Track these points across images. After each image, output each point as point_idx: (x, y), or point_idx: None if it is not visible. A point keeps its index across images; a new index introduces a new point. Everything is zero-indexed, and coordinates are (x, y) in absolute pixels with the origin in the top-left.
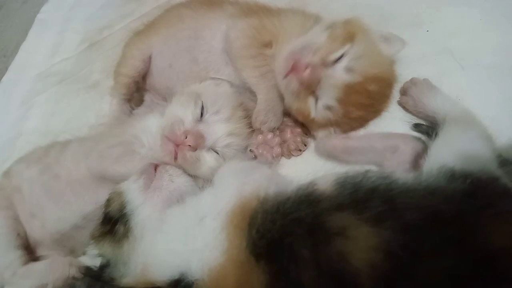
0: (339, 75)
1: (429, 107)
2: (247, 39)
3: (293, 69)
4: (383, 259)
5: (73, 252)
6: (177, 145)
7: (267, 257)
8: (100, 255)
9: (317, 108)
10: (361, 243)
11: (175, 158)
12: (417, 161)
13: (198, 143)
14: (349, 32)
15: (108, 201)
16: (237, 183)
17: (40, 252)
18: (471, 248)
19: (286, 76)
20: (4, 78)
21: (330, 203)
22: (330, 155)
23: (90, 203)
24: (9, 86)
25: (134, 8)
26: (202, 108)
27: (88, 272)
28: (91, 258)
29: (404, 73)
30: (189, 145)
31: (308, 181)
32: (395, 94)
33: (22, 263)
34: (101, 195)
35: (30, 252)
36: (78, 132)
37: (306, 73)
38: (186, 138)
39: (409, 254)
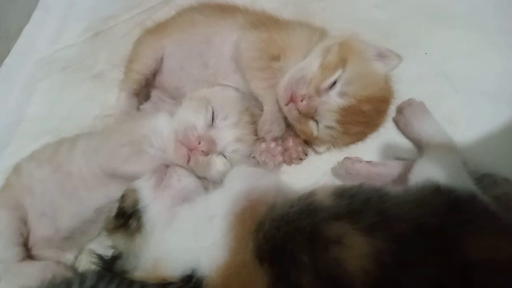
0: (333, 100)
1: (416, 129)
2: (257, 52)
3: (291, 99)
4: (375, 266)
5: (77, 249)
6: (191, 150)
7: (270, 260)
8: (112, 247)
9: (319, 129)
10: (355, 251)
11: (188, 161)
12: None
13: (210, 148)
14: (341, 57)
15: (123, 197)
16: (246, 187)
17: (35, 251)
18: (451, 259)
19: (286, 104)
20: (6, 61)
21: (328, 213)
22: (350, 177)
23: (102, 197)
24: (11, 70)
25: (140, 0)
26: (213, 113)
27: (100, 261)
28: (103, 249)
29: (401, 91)
30: (202, 150)
31: (308, 191)
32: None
33: (17, 260)
34: (113, 190)
35: (27, 251)
36: (81, 121)
37: (303, 104)
38: (199, 143)
39: (397, 263)
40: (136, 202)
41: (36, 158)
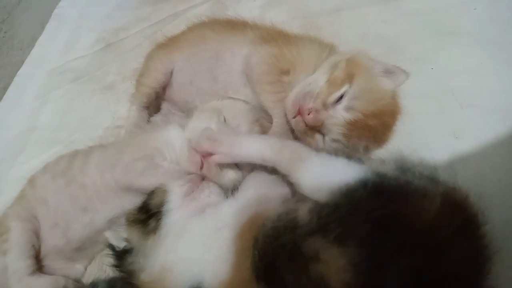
0: (340, 114)
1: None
2: (267, 66)
3: (299, 112)
4: (354, 276)
5: (87, 260)
6: (204, 157)
7: (264, 279)
8: (126, 240)
9: (325, 142)
10: (333, 265)
11: (201, 168)
12: None
13: None
14: (348, 73)
15: (152, 193)
16: (257, 195)
17: (46, 262)
18: (413, 239)
19: (294, 117)
20: (20, 71)
21: (304, 229)
22: None
23: (115, 208)
24: (24, 79)
25: (150, 12)
26: (224, 122)
27: (112, 251)
28: (117, 240)
29: (408, 107)
30: None
31: (294, 205)
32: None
33: (29, 272)
34: (126, 201)
35: (38, 262)
36: (92, 132)
37: (310, 117)
38: None
39: (373, 265)
40: (162, 203)
41: (51, 170)
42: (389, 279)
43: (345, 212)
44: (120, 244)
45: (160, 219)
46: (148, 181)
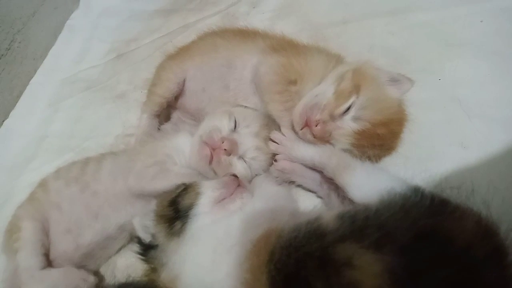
0: (347, 125)
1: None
2: (275, 76)
3: (307, 124)
4: (390, 283)
5: (95, 265)
6: (213, 149)
7: None
8: (153, 236)
9: None
10: (367, 271)
11: (210, 161)
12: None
13: (232, 148)
14: (355, 84)
15: (185, 191)
16: (267, 213)
17: (53, 266)
18: (452, 252)
19: (301, 129)
20: (32, 80)
21: (333, 235)
22: (282, 176)
23: (126, 215)
24: (37, 88)
25: (161, 24)
26: (235, 121)
27: (138, 243)
28: (144, 230)
29: (415, 117)
30: (225, 149)
31: (315, 215)
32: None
33: (40, 268)
34: (138, 207)
35: (48, 263)
36: (103, 140)
37: (318, 129)
38: (222, 143)
39: (411, 273)
40: (191, 206)
41: (64, 176)
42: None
43: (386, 218)
44: (146, 237)
45: (186, 222)
46: (160, 185)
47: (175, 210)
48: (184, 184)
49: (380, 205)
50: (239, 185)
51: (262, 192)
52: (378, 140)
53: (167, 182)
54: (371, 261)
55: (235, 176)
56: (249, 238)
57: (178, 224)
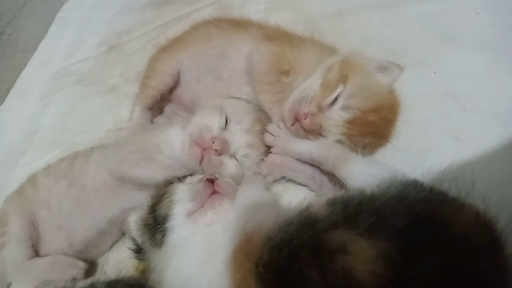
0: (337, 115)
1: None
2: (268, 66)
3: (296, 119)
4: (384, 268)
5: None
6: (204, 149)
7: (277, 285)
8: (141, 244)
9: None
10: (361, 256)
11: (201, 161)
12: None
13: (223, 148)
14: (342, 74)
15: (159, 200)
16: (247, 218)
17: None
18: (448, 238)
19: (292, 125)
20: (23, 74)
21: (325, 223)
22: (276, 170)
23: (113, 207)
24: (27, 82)
25: (154, 16)
26: (226, 118)
27: (133, 242)
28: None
29: (410, 110)
30: (215, 150)
31: (305, 205)
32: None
33: (27, 259)
34: (124, 199)
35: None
36: (94, 134)
37: (307, 121)
38: (213, 143)
39: (406, 258)
40: (167, 216)
41: (53, 173)
42: (419, 272)
43: (382, 203)
44: (138, 238)
45: (165, 234)
46: (141, 172)
47: (154, 219)
48: (164, 186)
49: (376, 190)
50: (214, 192)
51: (245, 197)
52: (370, 128)
53: (149, 171)
54: (365, 246)
55: (211, 180)
56: (231, 245)
57: (158, 236)
